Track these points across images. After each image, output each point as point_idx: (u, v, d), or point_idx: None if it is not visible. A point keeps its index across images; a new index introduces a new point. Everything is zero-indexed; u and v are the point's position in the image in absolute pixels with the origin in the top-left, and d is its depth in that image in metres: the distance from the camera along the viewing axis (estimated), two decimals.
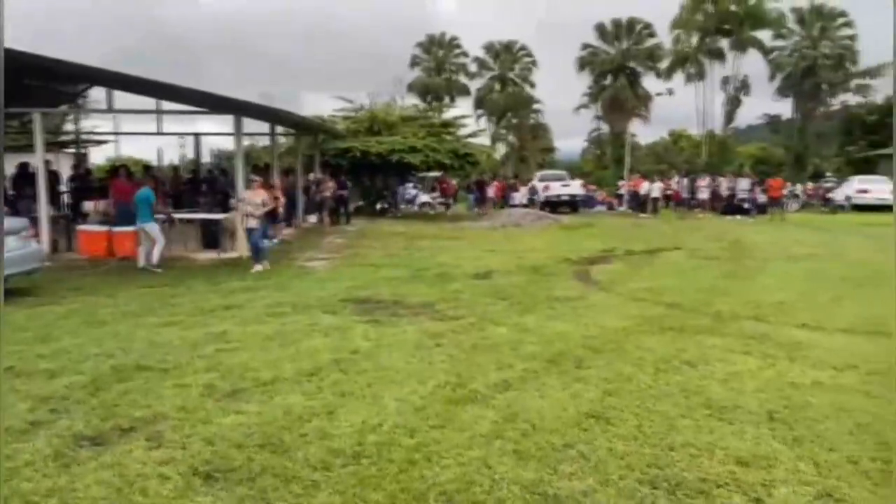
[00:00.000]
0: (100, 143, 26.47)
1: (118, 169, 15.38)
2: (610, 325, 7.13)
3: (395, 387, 5.00)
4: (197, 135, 24.25)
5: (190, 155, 28.01)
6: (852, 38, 44.78)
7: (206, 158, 28.70)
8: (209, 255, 12.84)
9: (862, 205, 28.56)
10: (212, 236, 13.57)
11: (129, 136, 30.32)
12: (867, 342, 6.36)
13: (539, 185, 31.36)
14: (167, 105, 15.59)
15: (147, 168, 22.55)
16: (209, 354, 5.95)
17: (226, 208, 15.16)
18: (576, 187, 31.77)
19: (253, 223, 11.59)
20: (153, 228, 11.59)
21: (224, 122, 17.51)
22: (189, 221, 14.49)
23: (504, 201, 32.06)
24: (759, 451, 3.84)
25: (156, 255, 11.47)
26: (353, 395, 4.83)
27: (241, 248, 12.40)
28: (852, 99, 46.51)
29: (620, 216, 28.77)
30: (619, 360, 5.75)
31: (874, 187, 29.30)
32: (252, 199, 11.70)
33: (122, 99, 14.73)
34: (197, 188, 19.65)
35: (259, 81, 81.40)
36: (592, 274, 11.22)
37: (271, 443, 3.99)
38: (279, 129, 20.72)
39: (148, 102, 15.49)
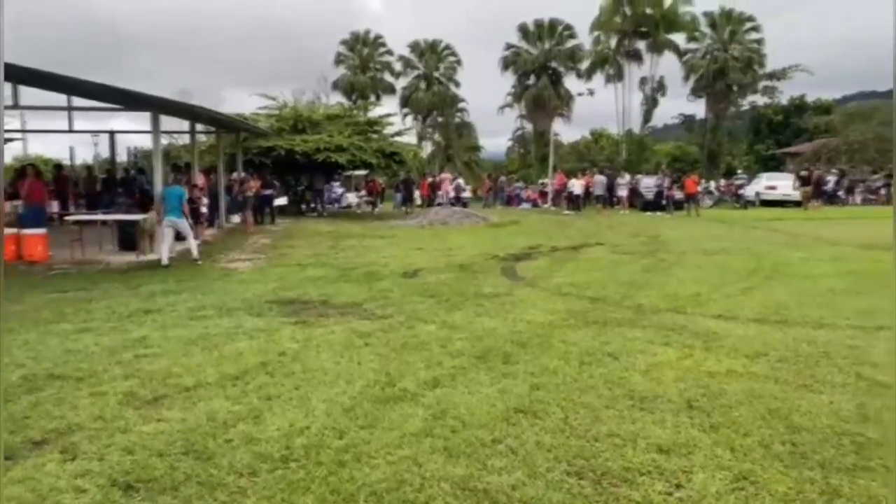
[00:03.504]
0: (6, 140, 24.99)
1: (25, 168, 14.56)
2: (536, 320, 7.26)
3: (324, 388, 4.94)
4: (112, 132, 23.27)
5: (105, 154, 26.83)
6: (759, 41, 47.10)
7: (122, 157, 27.59)
8: (127, 258, 12.33)
9: (770, 200, 30.09)
10: (129, 238, 13.04)
11: (37, 133, 28.78)
12: (776, 331, 6.70)
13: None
14: (79, 102, 14.86)
15: (58, 167, 21.49)
16: (128, 361, 5.72)
17: (145, 209, 14.59)
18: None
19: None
20: (183, 224, 12.11)
21: (141, 120, 16.86)
22: (104, 223, 13.88)
23: (431, 199, 32.17)
24: (678, 438, 3.99)
25: (194, 249, 12.19)
26: (280, 397, 4.74)
27: (161, 250, 11.96)
28: (760, 100, 49.03)
29: (545, 213, 29.32)
30: (545, 354, 5.86)
31: (781, 184, 30.94)
32: None
33: (31, 95, 13.93)
34: (113, 188, 18.85)
35: (180, 77, 78.86)
36: (519, 270, 11.40)
37: (195, 450, 3.88)
38: (200, 126, 20.10)
39: (59, 99, 14.73)
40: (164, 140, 26.11)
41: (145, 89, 12.16)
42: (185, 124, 18.92)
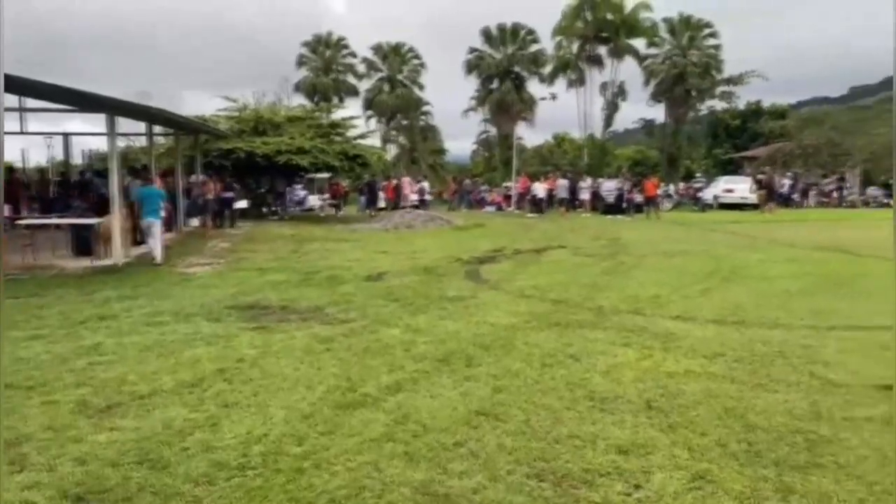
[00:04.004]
0: None
1: None
2: (499, 322, 7.28)
3: (283, 394, 4.87)
4: (66, 135, 22.69)
5: (59, 156, 26.12)
6: (717, 47, 48.08)
7: (78, 160, 26.89)
8: (81, 263, 12.01)
9: (728, 203, 30.72)
10: (84, 242, 12.71)
11: None
12: (732, 331, 6.83)
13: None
14: (31, 103, 14.44)
15: (10, 170, 20.89)
16: (81, 368, 5.57)
17: (101, 212, 14.24)
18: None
19: None
20: (158, 226, 12.63)
21: (97, 122, 16.44)
22: (58, 227, 13.50)
23: (395, 203, 32.06)
24: (638, 439, 4.02)
25: (159, 253, 12.44)
26: (238, 405, 4.66)
27: (117, 255, 11.68)
28: (718, 105, 50.03)
29: (509, 216, 29.46)
30: (507, 356, 5.88)
31: (738, 187, 31.62)
32: None
33: None
34: (68, 191, 18.37)
35: (139, 78, 77.36)
36: (483, 273, 11.42)
37: (150, 459, 3.78)
38: (158, 128, 19.71)
39: (10, 99, 14.29)
40: (121, 142, 25.58)
41: (102, 91, 11.87)
42: (142, 126, 18.53)
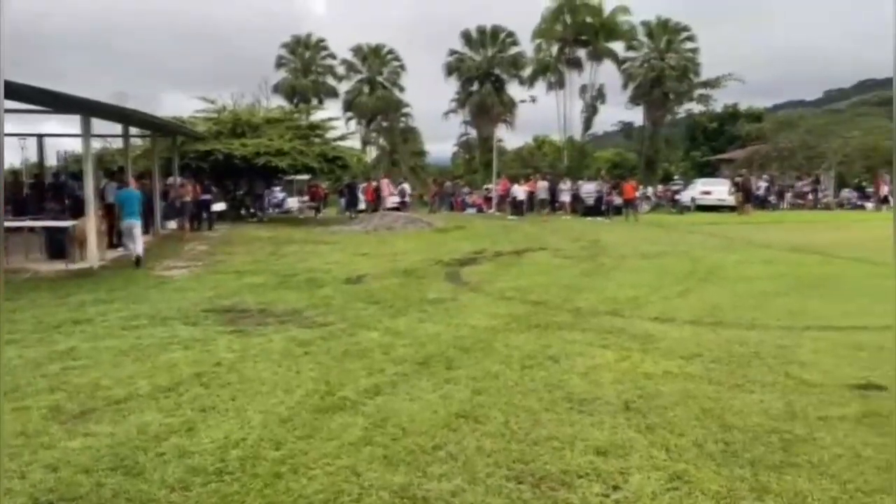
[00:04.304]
0: None
1: None
2: (479, 324, 7.28)
3: (261, 398, 4.83)
4: (40, 136, 22.36)
5: (34, 158, 25.72)
6: (694, 51, 48.60)
7: (53, 162, 26.54)
8: (55, 266, 11.83)
9: (705, 205, 31.02)
10: (58, 245, 12.52)
11: None
12: (710, 332, 6.89)
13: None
14: (5, 103, 14.16)
15: None
16: (54, 373, 5.49)
17: (76, 215, 14.05)
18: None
19: None
20: (139, 229, 12.80)
21: (73, 123, 16.20)
22: (31, 230, 13.30)
23: (376, 205, 31.97)
24: (616, 440, 4.04)
25: (140, 250, 12.61)
26: (215, 409, 4.61)
27: (92, 258, 11.53)
28: (695, 108, 50.56)
29: (490, 218, 29.51)
30: (487, 358, 5.88)
31: (715, 189, 31.92)
32: None
33: None
34: (42, 193, 18.09)
35: (115, 79, 76.36)
36: (463, 275, 11.43)
37: (124, 465, 3.73)
38: (134, 130, 19.48)
39: None
40: (97, 144, 25.23)
41: (77, 91, 11.72)
42: (118, 128, 18.30)
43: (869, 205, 32.14)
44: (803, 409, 4.55)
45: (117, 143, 24.02)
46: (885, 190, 31.35)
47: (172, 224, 19.66)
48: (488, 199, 35.87)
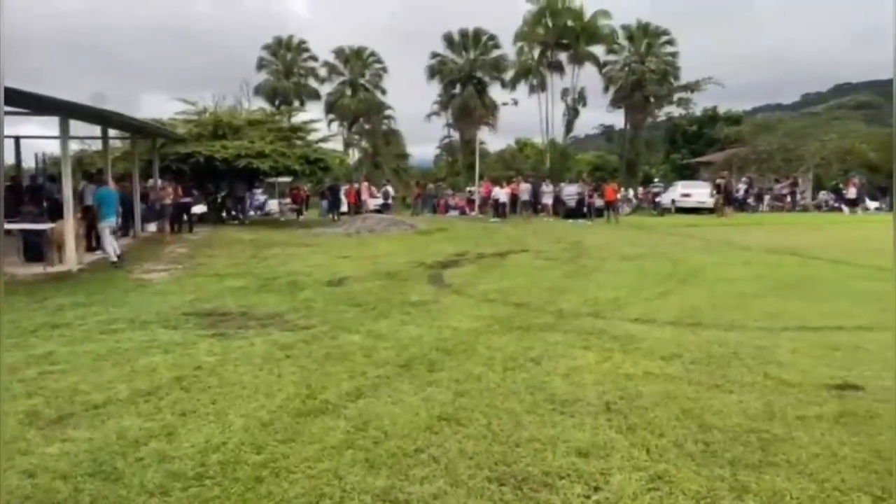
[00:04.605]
0: None
1: None
2: (462, 326, 7.28)
3: (242, 402, 4.80)
4: (17, 138, 22.03)
5: (11, 160, 25.34)
6: (674, 55, 49.07)
7: (31, 163, 26.15)
8: (33, 270, 11.67)
9: (685, 207, 31.30)
10: (35, 248, 12.35)
11: None
12: (689, 333, 6.95)
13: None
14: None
15: None
16: (31, 378, 5.40)
17: (54, 217, 13.87)
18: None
19: None
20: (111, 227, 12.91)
21: (51, 125, 15.99)
22: (8, 232, 13.10)
23: (358, 207, 31.92)
24: (597, 440, 4.06)
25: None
26: (195, 413, 4.57)
27: (71, 261, 11.39)
28: (675, 111, 51.05)
29: (473, 220, 29.57)
30: (469, 360, 5.88)
31: (695, 192, 32.23)
32: None
33: None
34: (19, 196, 17.82)
35: (94, 81, 75.42)
36: (446, 277, 11.43)
37: (103, 470, 3.69)
38: (114, 132, 19.27)
39: None
40: (77, 146, 24.94)
41: (56, 93, 11.56)
42: (97, 129, 18.10)
43: (846, 207, 32.61)
44: (782, 408, 4.60)
45: (96, 145, 23.76)
46: (851, 192, 31.87)
47: (152, 227, 19.48)
48: (471, 202, 35.97)
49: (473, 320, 7.62)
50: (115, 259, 12.60)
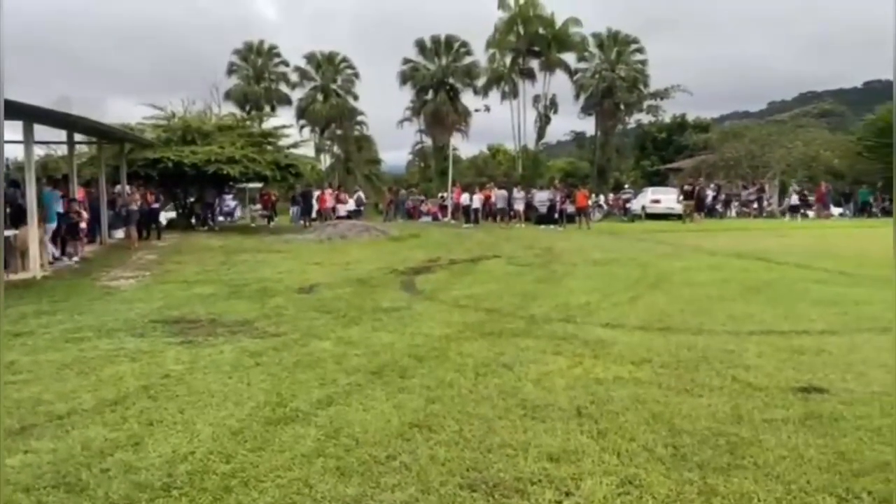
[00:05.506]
0: None
1: None
2: (434, 332, 7.27)
3: (211, 411, 4.73)
4: None
5: None
6: (643, 62, 49.73)
7: None
8: None
9: (655, 213, 31.68)
10: None
11: None
12: (659, 337, 7.02)
13: None
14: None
15: None
16: None
17: (17, 223, 13.54)
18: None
19: None
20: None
21: (13, 129, 15.65)
22: None
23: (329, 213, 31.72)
24: (568, 445, 4.08)
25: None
26: (162, 422, 4.50)
27: (34, 267, 11.14)
28: (645, 118, 51.73)
29: (445, 226, 29.60)
30: (441, 367, 5.87)
31: (665, 198, 32.65)
32: None
33: None
34: None
35: (59, 84, 74.06)
36: (418, 283, 11.41)
37: (66, 482, 3.60)
38: (80, 137, 18.93)
39: None
40: (41, 151, 24.44)
41: (19, 96, 11.31)
42: (62, 134, 17.78)
43: (811, 213, 33.30)
44: (749, 412, 4.67)
45: (62, 150, 23.33)
46: (794, 199, 32.77)
47: (120, 233, 19.16)
48: (443, 208, 35.99)
49: (445, 326, 7.61)
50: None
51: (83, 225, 15.35)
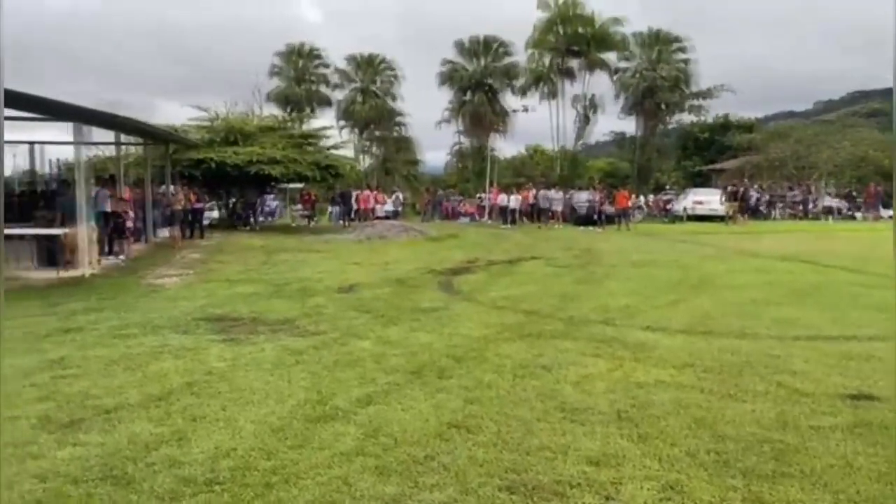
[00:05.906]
0: None
1: None
2: (472, 333, 7.27)
3: (252, 408, 4.80)
4: (32, 144, 22.26)
5: (24, 166, 25.60)
6: (686, 62, 48.87)
7: (46, 169, 26.41)
8: (46, 274, 11.76)
9: (697, 215, 31.14)
10: (49, 253, 12.46)
11: None
12: (701, 341, 6.90)
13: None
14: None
15: None
16: (44, 383, 5.44)
17: (67, 222, 13.97)
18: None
19: None
20: None
21: (65, 131, 16.14)
22: (21, 237, 13.22)
23: (366, 213, 31.96)
24: (608, 449, 4.03)
25: None
26: (206, 418, 4.58)
27: (84, 265, 11.47)
28: (687, 118, 50.83)
29: (483, 227, 29.56)
30: (479, 368, 5.86)
31: (707, 199, 32.06)
32: None
33: None
34: (34, 201, 17.99)
35: (110, 88, 76.09)
36: (456, 284, 11.42)
37: (114, 475, 3.70)
38: (127, 138, 19.44)
39: None
40: (91, 152, 25.10)
41: (71, 99, 11.70)
42: (110, 135, 18.27)
43: (859, 214, 32.36)
44: (795, 418, 4.55)
45: (109, 151, 23.96)
46: (828, 201, 31.89)
47: (165, 232, 19.61)
48: (481, 208, 35.94)
49: (484, 327, 7.60)
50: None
51: (130, 224, 15.76)
